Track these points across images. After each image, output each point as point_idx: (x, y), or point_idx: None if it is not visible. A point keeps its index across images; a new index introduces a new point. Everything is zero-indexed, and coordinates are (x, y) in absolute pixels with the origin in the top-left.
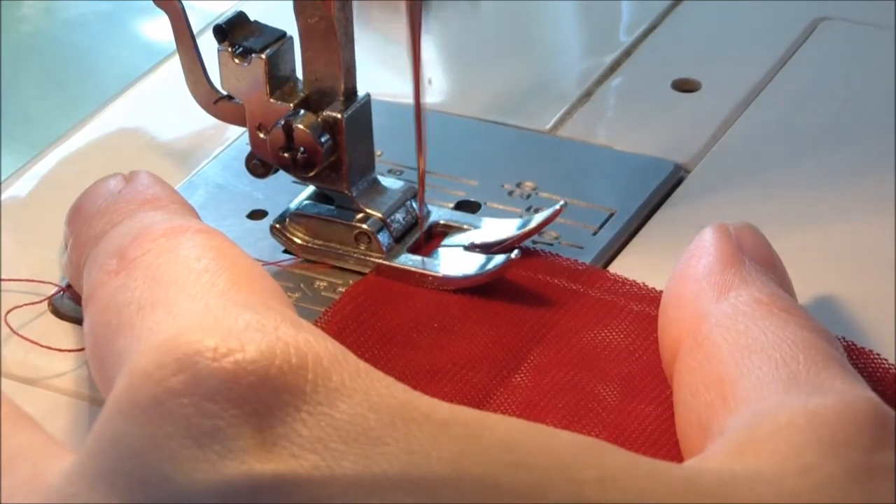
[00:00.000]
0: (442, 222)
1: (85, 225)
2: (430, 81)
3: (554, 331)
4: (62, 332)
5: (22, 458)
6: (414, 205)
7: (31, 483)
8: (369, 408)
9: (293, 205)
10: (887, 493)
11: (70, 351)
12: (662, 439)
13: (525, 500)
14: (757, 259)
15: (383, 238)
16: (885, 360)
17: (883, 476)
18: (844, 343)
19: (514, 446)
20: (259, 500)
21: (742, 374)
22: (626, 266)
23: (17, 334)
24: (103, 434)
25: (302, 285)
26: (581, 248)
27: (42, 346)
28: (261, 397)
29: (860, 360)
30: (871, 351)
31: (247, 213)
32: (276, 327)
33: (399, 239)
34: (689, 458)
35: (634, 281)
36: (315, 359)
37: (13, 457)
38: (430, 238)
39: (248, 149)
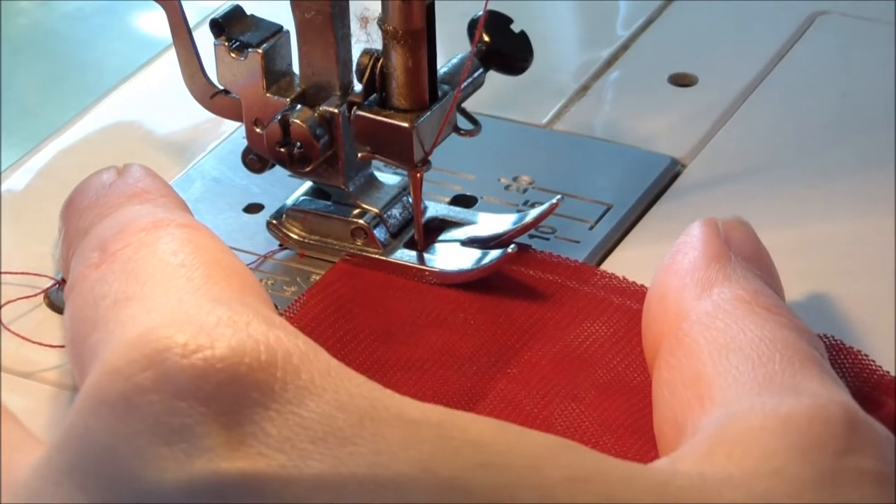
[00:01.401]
0: (439, 217)
1: (75, 218)
2: None
3: (545, 325)
4: (57, 326)
5: None
6: (410, 200)
7: (8, 474)
8: (338, 407)
9: (289, 200)
10: (857, 496)
11: (61, 347)
12: (640, 431)
13: (494, 502)
14: (744, 254)
15: (380, 233)
16: (872, 360)
17: (853, 480)
18: (830, 341)
19: (485, 447)
20: (225, 499)
21: (719, 373)
22: (623, 260)
23: (9, 330)
24: (72, 429)
25: (298, 279)
26: (578, 242)
27: (33, 341)
28: (229, 395)
29: (846, 359)
30: (858, 351)
31: (243, 206)
32: (247, 324)
33: (396, 234)
34: (664, 454)
35: (625, 278)
36: (285, 356)
37: None
38: (426, 233)
39: (245, 142)
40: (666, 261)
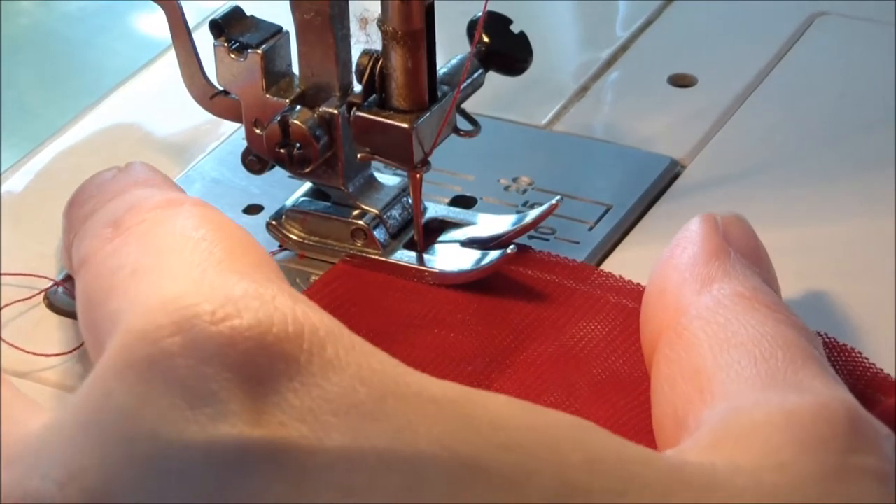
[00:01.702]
0: (438, 218)
1: (77, 208)
2: None
3: (542, 325)
4: (56, 326)
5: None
6: (410, 201)
7: (8, 435)
8: (361, 382)
9: (289, 201)
10: (860, 494)
11: (57, 355)
12: (636, 428)
13: (511, 483)
14: (742, 251)
15: (379, 234)
16: (866, 358)
17: (856, 477)
18: (825, 339)
19: (503, 426)
20: (246, 466)
21: (720, 367)
22: (623, 261)
23: (7, 343)
24: (93, 389)
25: (298, 280)
26: (577, 243)
27: (27, 351)
28: (255, 364)
29: (840, 357)
30: (852, 348)
31: (243, 207)
32: (273, 297)
33: (395, 235)
34: (663, 448)
35: (622, 277)
36: (311, 330)
37: None
38: (426, 234)
39: (245, 143)
40: (665, 255)
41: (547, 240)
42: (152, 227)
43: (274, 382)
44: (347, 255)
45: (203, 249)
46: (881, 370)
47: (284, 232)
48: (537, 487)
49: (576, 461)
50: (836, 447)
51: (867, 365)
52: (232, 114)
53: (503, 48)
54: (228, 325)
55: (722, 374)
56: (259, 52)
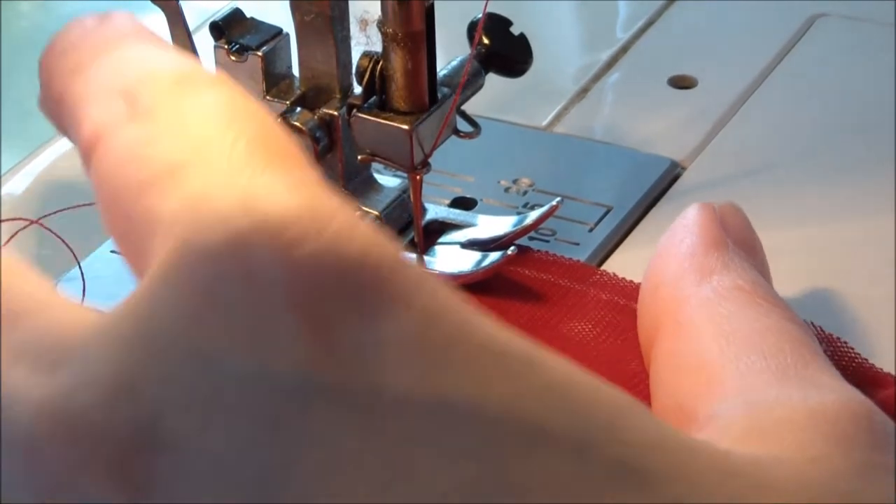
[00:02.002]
0: (438, 219)
1: (58, 57)
2: None
3: (535, 324)
4: None
5: (30, 312)
6: (410, 202)
7: (42, 338)
8: (429, 322)
9: None
10: (886, 492)
11: None
12: None
13: (573, 452)
14: (738, 240)
15: None
16: (852, 348)
17: (881, 475)
18: (812, 329)
19: (568, 393)
20: (306, 402)
21: (728, 360)
22: (623, 263)
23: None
24: (141, 302)
25: None
26: (577, 244)
27: None
28: (320, 297)
29: (828, 348)
30: (838, 338)
31: None
32: (332, 216)
33: (395, 236)
34: None
35: (615, 275)
36: (377, 259)
37: (18, 311)
38: (426, 235)
39: None
40: (662, 244)
41: (547, 241)
42: (176, 110)
43: (339, 318)
44: None
45: (242, 149)
46: (865, 360)
47: None
48: (597, 460)
49: (631, 442)
50: (861, 445)
51: (852, 355)
52: None
53: (503, 50)
54: (291, 254)
55: (731, 367)
56: (259, 53)
